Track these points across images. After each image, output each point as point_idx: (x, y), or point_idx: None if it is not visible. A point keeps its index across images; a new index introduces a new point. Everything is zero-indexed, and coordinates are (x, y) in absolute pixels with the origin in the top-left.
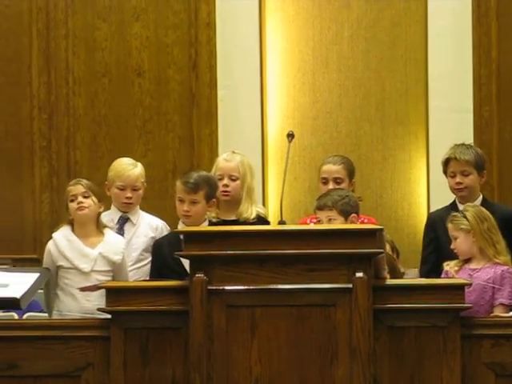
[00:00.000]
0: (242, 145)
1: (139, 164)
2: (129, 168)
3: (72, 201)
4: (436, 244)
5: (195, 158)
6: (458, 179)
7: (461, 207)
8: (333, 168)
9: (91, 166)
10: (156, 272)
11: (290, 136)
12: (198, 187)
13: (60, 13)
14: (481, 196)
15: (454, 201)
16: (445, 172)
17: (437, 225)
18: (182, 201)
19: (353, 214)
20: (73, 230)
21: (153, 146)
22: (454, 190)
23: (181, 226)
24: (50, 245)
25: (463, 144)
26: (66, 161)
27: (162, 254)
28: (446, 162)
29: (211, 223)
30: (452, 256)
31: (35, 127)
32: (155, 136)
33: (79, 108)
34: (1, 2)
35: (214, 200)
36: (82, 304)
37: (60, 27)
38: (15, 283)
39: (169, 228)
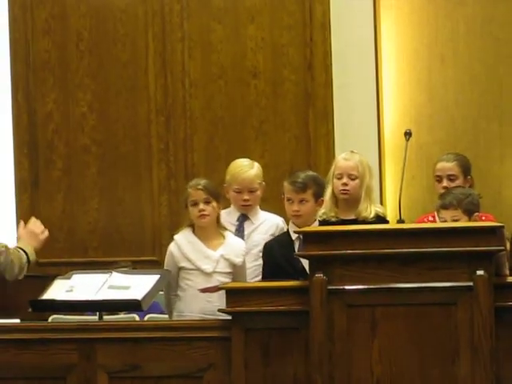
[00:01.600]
0: (359, 144)
1: (256, 164)
2: (244, 170)
3: (193, 205)
4: None
5: (312, 158)
6: None
7: None
8: (446, 165)
9: (208, 168)
10: (268, 273)
11: (408, 134)
12: (307, 186)
13: (175, 16)
14: None
15: None
16: None
17: None
18: (290, 201)
19: (476, 213)
20: (193, 232)
21: (269, 147)
22: None
23: (291, 227)
24: (172, 247)
25: None
26: (184, 163)
27: (274, 255)
28: None
29: (330, 222)
30: None
31: (153, 130)
32: (272, 137)
33: (196, 110)
34: (117, 7)
35: (322, 199)
36: (203, 305)
37: (176, 30)
38: (136, 285)
39: (286, 226)
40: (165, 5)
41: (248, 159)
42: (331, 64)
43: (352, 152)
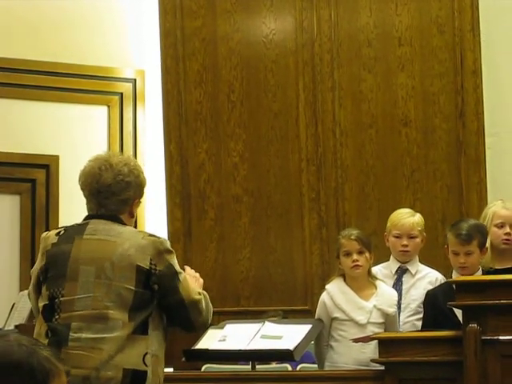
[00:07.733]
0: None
1: (418, 214)
2: (404, 216)
3: (346, 255)
4: None
5: (464, 207)
6: None
7: None
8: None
9: (360, 217)
10: (429, 321)
11: None
12: (472, 237)
13: (326, 66)
14: None
15: None
16: None
17: None
18: (456, 254)
19: None
20: (345, 281)
21: (421, 196)
22: None
23: (455, 276)
24: (324, 297)
25: None
26: (335, 212)
27: (437, 303)
28: None
29: (485, 272)
30: None
31: (304, 179)
32: (423, 185)
33: (347, 159)
34: (268, 58)
35: (487, 247)
36: (357, 355)
37: (326, 80)
38: (288, 335)
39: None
40: (315, 55)
41: (411, 209)
42: (483, 112)
43: (503, 201)
